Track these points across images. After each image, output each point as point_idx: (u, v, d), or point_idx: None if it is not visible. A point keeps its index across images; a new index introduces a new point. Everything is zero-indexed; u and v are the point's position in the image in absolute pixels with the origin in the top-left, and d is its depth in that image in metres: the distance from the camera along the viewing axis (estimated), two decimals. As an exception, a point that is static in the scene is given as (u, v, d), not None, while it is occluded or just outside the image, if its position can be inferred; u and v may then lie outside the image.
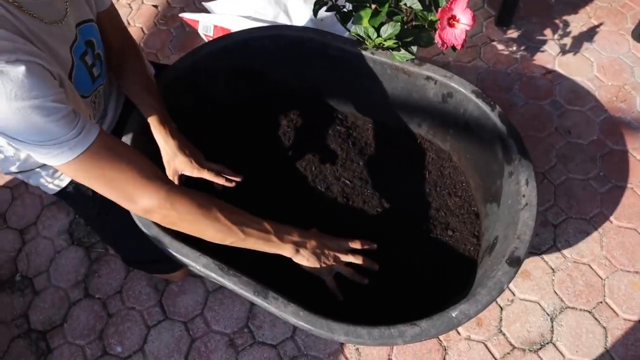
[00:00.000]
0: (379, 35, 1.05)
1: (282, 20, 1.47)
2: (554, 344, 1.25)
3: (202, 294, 1.38)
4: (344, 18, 1.12)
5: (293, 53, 1.22)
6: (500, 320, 1.29)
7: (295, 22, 1.46)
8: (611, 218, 1.43)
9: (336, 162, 1.24)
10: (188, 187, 0.90)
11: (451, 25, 0.97)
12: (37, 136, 0.70)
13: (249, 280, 0.86)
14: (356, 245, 1.01)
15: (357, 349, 1.28)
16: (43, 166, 1.02)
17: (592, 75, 1.71)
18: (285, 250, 0.93)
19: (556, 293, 1.32)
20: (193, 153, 1.05)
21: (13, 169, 1.01)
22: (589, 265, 1.36)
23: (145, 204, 0.82)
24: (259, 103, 1.32)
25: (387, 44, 1.07)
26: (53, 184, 1.07)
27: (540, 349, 1.25)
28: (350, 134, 1.30)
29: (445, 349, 1.27)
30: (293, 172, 1.23)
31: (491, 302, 0.83)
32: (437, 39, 0.97)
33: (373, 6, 1.05)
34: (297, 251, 0.94)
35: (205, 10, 1.60)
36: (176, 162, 1.02)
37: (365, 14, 1.04)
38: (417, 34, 1.06)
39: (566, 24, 1.86)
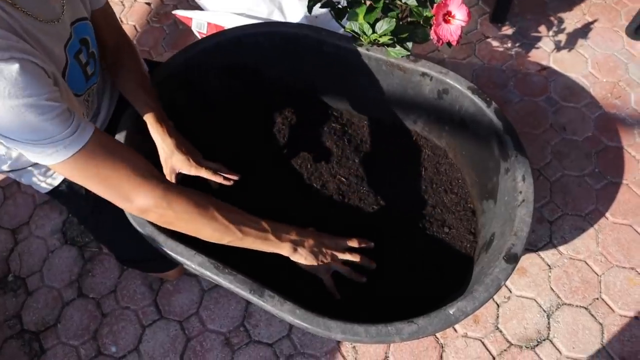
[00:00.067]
0: (374, 32, 1.05)
1: (276, 17, 1.46)
2: (550, 341, 1.25)
3: (198, 293, 1.38)
4: (339, 14, 1.11)
5: (287, 50, 1.21)
6: (497, 317, 1.29)
7: (290, 19, 1.45)
8: (607, 214, 1.43)
9: (332, 159, 1.23)
10: (184, 185, 0.89)
11: (446, 22, 0.97)
12: (31, 135, 0.69)
13: (244, 279, 0.86)
14: (353, 243, 1.01)
15: (354, 347, 1.27)
16: (35, 165, 1.01)
17: (586, 72, 1.71)
18: (283, 249, 0.93)
19: (552, 290, 1.32)
20: (190, 151, 1.04)
21: (4, 167, 0.99)
22: (585, 262, 1.36)
23: (141, 203, 0.81)
24: (253, 100, 1.32)
25: (382, 40, 1.06)
26: (45, 183, 1.06)
27: (537, 345, 1.25)
28: (346, 131, 1.29)
29: (442, 347, 1.26)
30: (288, 169, 1.23)
31: (488, 299, 0.82)
32: (432, 35, 0.97)
33: (368, 2, 1.04)
34: (295, 250, 0.93)
35: (199, 8, 1.59)
36: (173, 160, 1.01)
37: (361, 10, 1.04)
38: (412, 30, 1.05)
39: (561, 21, 1.86)
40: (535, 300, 1.31)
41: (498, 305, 1.31)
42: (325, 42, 1.15)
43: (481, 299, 0.82)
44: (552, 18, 1.87)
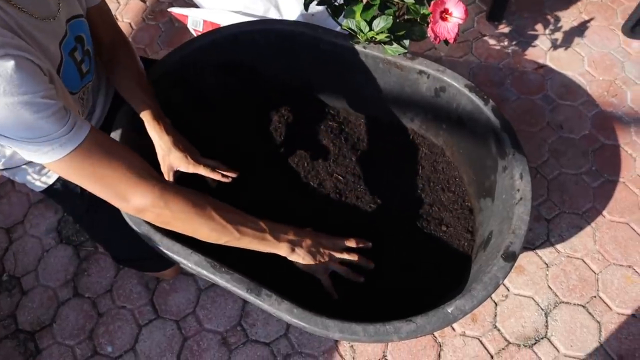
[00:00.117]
0: (371, 29, 1.04)
1: (273, 14, 1.45)
2: (548, 339, 1.25)
3: (194, 292, 1.37)
4: (336, 12, 1.10)
5: (284, 47, 1.20)
6: (495, 315, 1.29)
7: (286, 16, 1.45)
8: (604, 212, 1.43)
9: (328, 157, 1.23)
10: (181, 183, 0.88)
11: (444, 19, 0.96)
12: (27, 133, 0.69)
13: (241, 278, 0.85)
14: (351, 243, 1.00)
15: (352, 346, 1.27)
16: (29, 163, 1.00)
17: (583, 70, 1.71)
18: (281, 249, 0.92)
19: (550, 288, 1.32)
20: (188, 149, 1.03)
21: (-2, 166, 0.99)
22: (583, 260, 1.36)
23: (138, 203, 0.80)
24: (249, 98, 1.31)
25: (379, 37, 1.06)
26: (40, 181, 1.05)
27: (535, 344, 1.25)
28: (343, 129, 1.29)
29: (440, 345, 1.26)
30: (285, 168, 1.22)
31: (487, 297, 0.82)
32: (429, 33, 0.96)
33: (365, 0, 1.04)
34: (293, 250, 0.93)
35: (195, 5, 1.58)
36: (171, 157, 1.00)
37: (357, 8, 1.03)
38: (409, 28, 1.05)
39: (557, 19, 1.86)
40: (533, 299, 1.31)
41: (496, 304, 1.31)
42: (321, 40, 1.15)
43: (480, 298, 0.82)
44: (548, 16, 1.87)
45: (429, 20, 0.96)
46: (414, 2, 1.00)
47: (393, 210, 1.16)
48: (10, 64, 0.64)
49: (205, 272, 0.86)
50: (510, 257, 0.85)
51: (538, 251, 1.37)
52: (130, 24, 1.97)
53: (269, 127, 1.28)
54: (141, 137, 0.99)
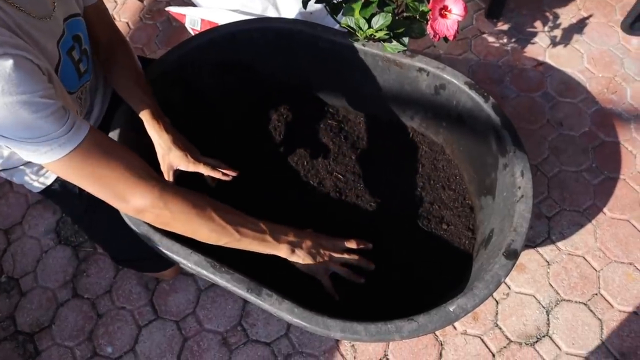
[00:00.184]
0: (370, 27, 1.04)
1: (271, 13, 1.44)
2: (550, 337, 1.25)
3: (194, 292, 1.36)
4: (334, 9, 1.10)
5: (282, 46, 1.20)
6: (496, 314, 1.29)
7: (284, 15, 1.44)
8: (604, 210, 1.42)
9: (328, 156, 1.22)
10: (181, 182, 0.87)
11: (443, 16, 0.96)
12: (25, 133, 0.68)
13: (242, 277, 0.85)
14: (352, 244, 1.00)
15: (353, 345, 1.26)
16: (27, 163, 0.99)
17: (582, 67, 1.71)
18: (281, 250, 0.92)
19: (551, 286, 1.31)
20: (188, 147, 1.03)
21: (-4, 166, 0.98)
22: (584, 258, 1.35)
23: (137, 203, 0.80)
24: (247, 97, 1.30)
25: (378, 35, 1.05)
26: (38, 182, 1.04)
27: (537, 342, 1.24)
28: (342, 127, 1.28)
29: (441, 344, 1.26)
30: (284, 167, 1.22)
31: (489, 295, 0.82)
32: (429, 30, 0.96)
33: (364, -3, 1.03)
34: (293, 251, 0.92)
35: (192, 4, 1.58)
36: (171, 156, 1.00)
37: (356, 5, 1.02)
38: (408, 25, 1.04)
39: (556, 16, 1.85)
40: (535, 297, 1.30)
41: (497, 302, 1.30)
42: (320, 38, 1.14)
43: (481, 296, 0.81)
44: (547, 13, 1.86)
45: (428, 18, 0.95)
46: (413, -1, 0.99)
47: (393, 208, 1.15)
48: (8, 63, 0.63)
49: (205, 272, 0.85)
50: (512, 255, 0.85)
51: (539, 249, 1.37)
52: (127, 23, 1.97)
53: (268, 126, 1.27)
54: (140, 137, 0.99)
